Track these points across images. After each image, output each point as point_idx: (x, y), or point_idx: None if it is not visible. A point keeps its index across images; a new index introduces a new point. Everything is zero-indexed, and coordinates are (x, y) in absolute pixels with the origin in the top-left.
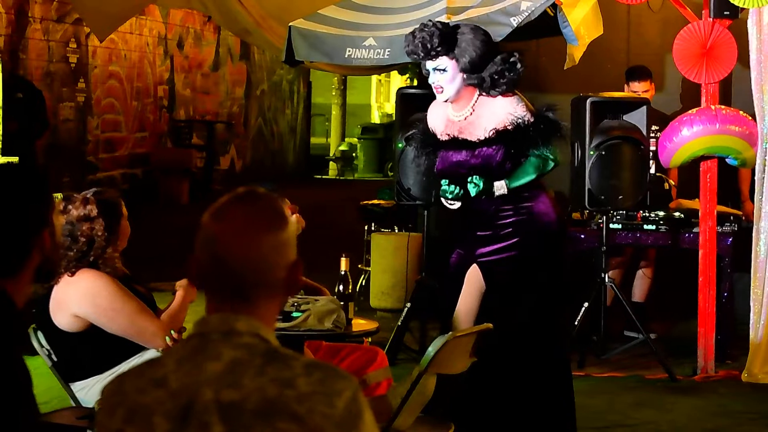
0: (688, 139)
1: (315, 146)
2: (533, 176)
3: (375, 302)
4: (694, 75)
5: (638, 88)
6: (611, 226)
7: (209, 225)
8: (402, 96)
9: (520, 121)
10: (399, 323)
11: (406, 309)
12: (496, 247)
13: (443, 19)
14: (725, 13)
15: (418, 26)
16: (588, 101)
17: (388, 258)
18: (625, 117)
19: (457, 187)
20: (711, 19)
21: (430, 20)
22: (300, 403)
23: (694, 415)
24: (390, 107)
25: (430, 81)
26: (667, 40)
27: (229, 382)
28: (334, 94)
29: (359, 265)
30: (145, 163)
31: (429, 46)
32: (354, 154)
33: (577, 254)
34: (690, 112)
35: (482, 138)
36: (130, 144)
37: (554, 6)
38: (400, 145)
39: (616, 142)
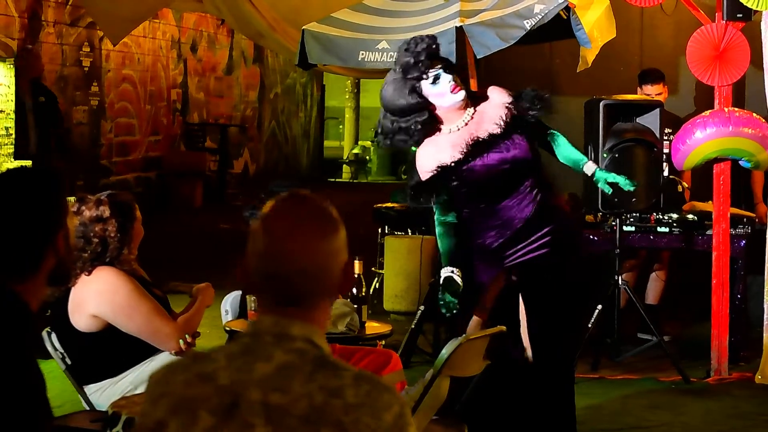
0: (701, 141)
1: (328, 149)
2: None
3: (388, 305)
4: (708, 77)
5: (651, 91)
6: (625, 228)
7: (264, 233)
8: None
9: (519, 104)
10: (412, 326)
11: (419, 312)
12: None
13: (457, 22)
14: (738, 15)
15: (411, 41)
16: (601, 104)
17: (401, 261)
18: (638, 120)
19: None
20: (724, 22)
21: (420, 36)
22: (346, 414)
23: (707, 418)
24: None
25: (444, 85)
26: (680, 42)
27: (278, 385)
28: (347, 97)
29: (372, 268)
30: (158, 167)
31: (433, 47)
32: (368, 157)
33: (591, 257)
34: (703, 114)
35: (501, 127)
36: (144, 147)
37: (567, 9)
38: (413, 148)
39: (630, 145)
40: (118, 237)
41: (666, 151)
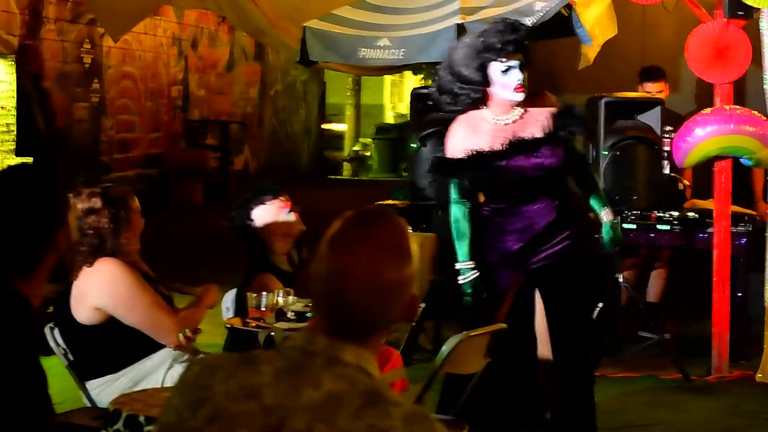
0: (702, 139)
1: (330, 141)
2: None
3: None
4: (708, 75)
5: (652, 89)
6: (625, 226)
7: (330, 256)
8: (416, 96)
9: (561, 119)
10: (413, 323)
11: (420, 309)
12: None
13: (457, 19)
14: (739, 13)
15: (499, 22)
16: (602, 101)
17: None
18: (639, 117)
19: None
20: (725, 20)
21: (517, 23)
22: None
23: (708, 416)
24: (404, 107)
25: (512, 79)
26: (681, 40)
27: (324, 417)
28: (348, 94)
29: None
30: (159, 164)
31: (523, 40)
32: (368, 155)
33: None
34: (704, 112)
35: (546, 133)
36: (144, 144)
37: (568, 6)
38: (414, 145)
39: (630, 143)
40: (112, 228)
41: (666, 148)
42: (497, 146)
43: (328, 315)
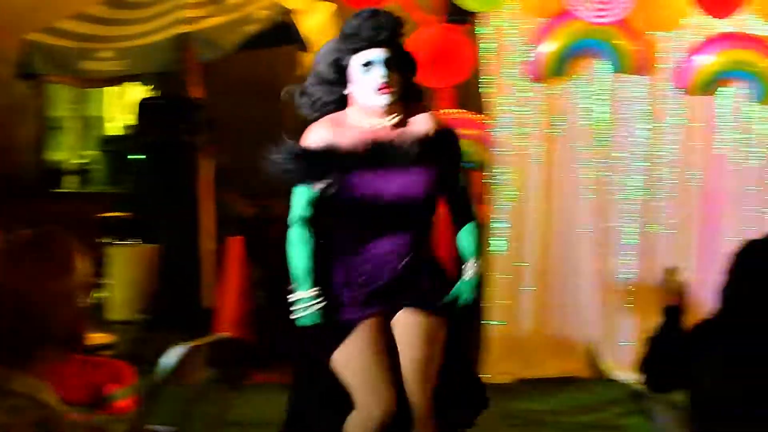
0: None
1: (52, 160)
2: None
3: (113, 315)
4: (428, 80)
5: None
6: None
7: None
8: (143, 106)
9: (450, 144)
10: (136, 335)
11: (142, 320)
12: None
13: (181, 29)
14: (459, 17)
15: (368, 11)
16: None
17: (126, 270)
18: None
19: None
20: (445, 24)
21: (380, 10)
22: None
23: None
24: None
25: (373, 77)
26: None
27: None
28: (71, 107)
29: (96, 278)
30: None
31: (396, 30)
32: (92, 167)
33: None
34: None
35: (420, 151)
36: None
37: (287, 14)
38: (137, 156)
39: None
40: None
41: None
42: (357, 151)
43: None
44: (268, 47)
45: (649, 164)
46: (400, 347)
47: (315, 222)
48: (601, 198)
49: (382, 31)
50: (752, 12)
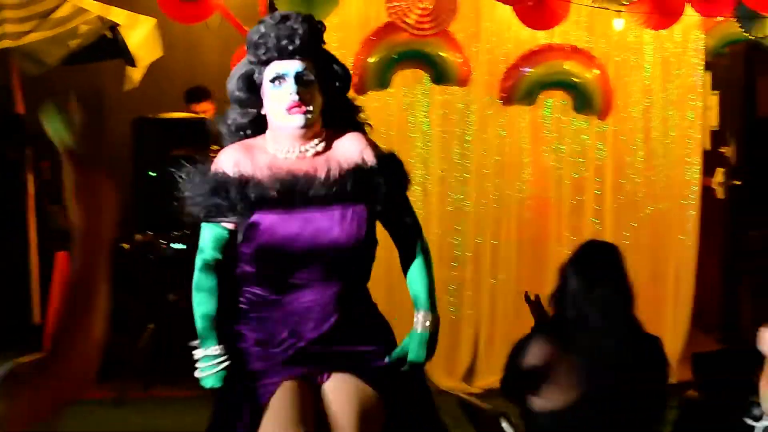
0: None
1: None
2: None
3: None
4: None
5: (198, 109)
6: (174, 246)
7: None
8: None
9: (377, 167)
10: None
11: None
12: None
13: (2, 44)
14: None
15: (282, 14)
16: (148, 122)
17: None
18: (185, 137)
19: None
20: None
21: (297, 13)
22: None
23: None
24: None
25: (283, 94)
26: (226, 59)
27: None
28: None
29: None
30: None
31: (313, 37)
32: None
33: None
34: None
35: (344, 184)
36: None
37: (113, 28)
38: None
39: (177, 162)
40: None
41: None
42: (270, 182)
43: None
44: (93, 62)
45: (469, 176)
46: (330, 422)
47: (224, 266)
48: (426, 210)
49: (294, 38)
50: (574, 24)
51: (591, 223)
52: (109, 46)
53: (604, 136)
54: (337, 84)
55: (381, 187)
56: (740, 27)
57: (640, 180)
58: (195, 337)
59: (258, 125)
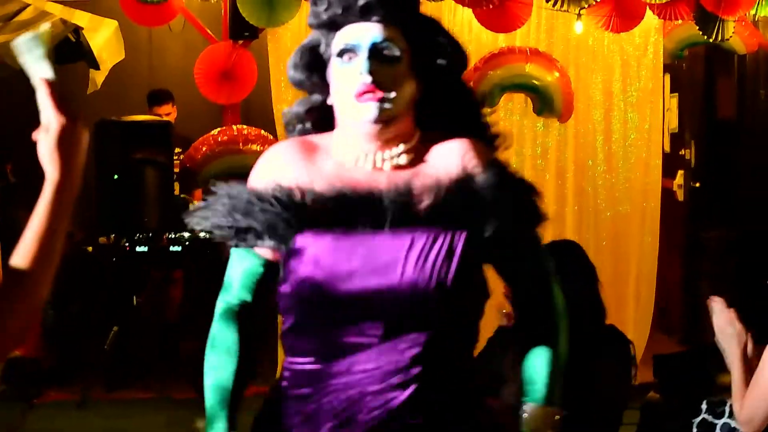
0: (212, 159)
1: None
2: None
3: None
4: (216, 96)
5: (161, 111)
6: (137, 249)
7: None
8: None
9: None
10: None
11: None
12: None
13: None
14: (245, 34)
15: None
16: (110, 125)
17: None
18: (148, 140)
19: None
20: (230, 41)
21: None
22: None
23: None
24: None
25: (351, 73)
26: (189, 62)
27: None
28: None
29: None
30: None
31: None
32: None
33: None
34: (212, 132)
35: (439, 204)
36: None
37: (76, 31)
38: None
39: (139, 165)
40: None
41: (177, 170)
42: (323, 201)
43: None
44: (57, 64)
45: None
46: None
47: (257, 315)
48: None
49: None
50: (534, 27)
51: (551, 225)
52: (72, 49)
53: (565, 139)
54: (444, 65)
55: (493, 211)
56: (699, 30)
57: (600, 182)
58: (157, 340)
59: (321, 116)
